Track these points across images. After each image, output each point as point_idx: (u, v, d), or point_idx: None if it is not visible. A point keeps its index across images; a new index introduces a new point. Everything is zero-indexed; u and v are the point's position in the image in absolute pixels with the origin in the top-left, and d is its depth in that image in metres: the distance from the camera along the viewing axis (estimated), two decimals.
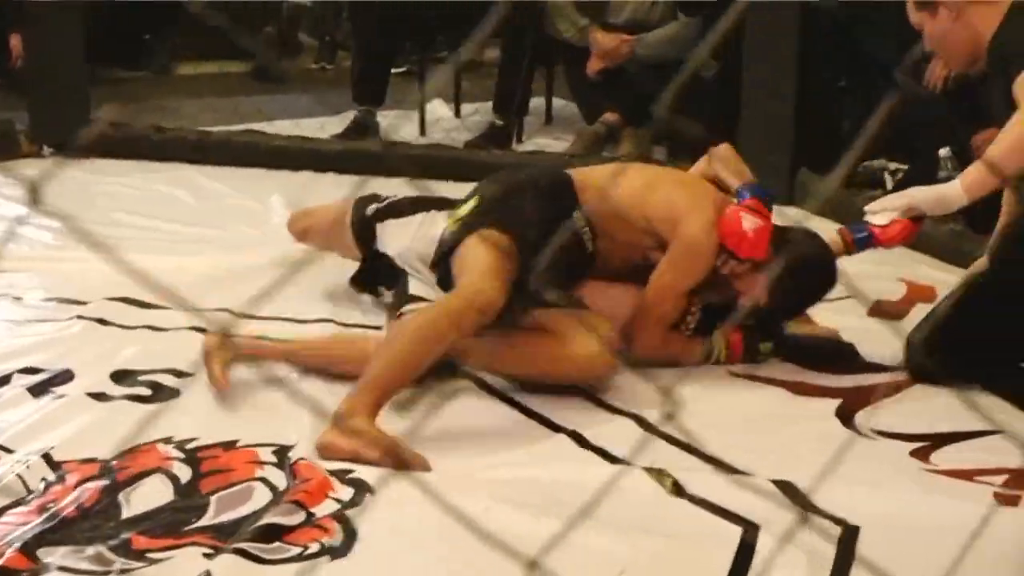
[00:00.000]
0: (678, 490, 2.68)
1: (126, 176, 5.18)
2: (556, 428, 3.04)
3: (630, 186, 3.45)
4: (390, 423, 2.86)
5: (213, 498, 2.58)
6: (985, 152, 3.28)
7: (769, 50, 4.95)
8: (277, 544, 2.40)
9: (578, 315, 3.21)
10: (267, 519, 2.45)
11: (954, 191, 3.19)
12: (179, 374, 3.19)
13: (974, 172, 3.20)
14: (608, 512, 2.48)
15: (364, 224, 3.61)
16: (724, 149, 3.67)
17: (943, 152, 4.60)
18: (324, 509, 2.54)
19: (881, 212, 3.30)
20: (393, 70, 6.32)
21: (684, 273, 3.39)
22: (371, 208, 3.62)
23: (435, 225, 3.41)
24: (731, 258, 3.35)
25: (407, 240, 3.45)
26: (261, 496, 2.59)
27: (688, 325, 3.47)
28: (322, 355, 3.27)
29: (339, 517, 2.50)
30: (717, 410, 3.16)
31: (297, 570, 2.32)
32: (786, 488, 2.71)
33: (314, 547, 2.40)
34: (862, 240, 3.33)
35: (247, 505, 2.55)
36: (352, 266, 3.72)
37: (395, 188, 3.71)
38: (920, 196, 3.25)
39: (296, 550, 2.39)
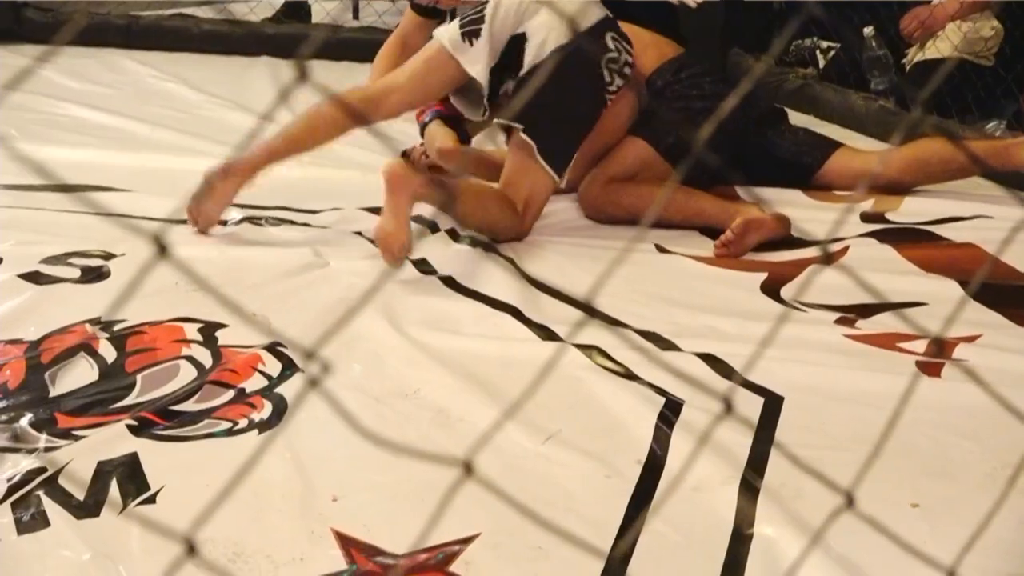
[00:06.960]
0: (607, 366, 2.70)
1: (56, 61, 5.10)
2: (497, 305, 3.04)
3: None
4: None
5: (139, 376, 2.58)
6: None
7: None
8: (206, 421, 2.41)
9: None
10: (191, 406, 2.46)
11: None
12: (108, 256, 3.16)
13: None
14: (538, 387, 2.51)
15: None
16: None
17: (867, 31, 4.60)
18: (253, 384, 2.55)
19: None
20: None
21: None
22: None
23: None
24: None
25: None
26: (187, 374, 2.59)
27: None
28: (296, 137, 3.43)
29: (268, 392, 2.51)
30: (645, 286, 3.19)
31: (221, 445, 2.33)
32: (711, 360, 2.73)
33: (243, 423, 2.41)
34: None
35: (173, 382, 2.55)
36: None
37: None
38: None
39: (225, 425, 2.40)
